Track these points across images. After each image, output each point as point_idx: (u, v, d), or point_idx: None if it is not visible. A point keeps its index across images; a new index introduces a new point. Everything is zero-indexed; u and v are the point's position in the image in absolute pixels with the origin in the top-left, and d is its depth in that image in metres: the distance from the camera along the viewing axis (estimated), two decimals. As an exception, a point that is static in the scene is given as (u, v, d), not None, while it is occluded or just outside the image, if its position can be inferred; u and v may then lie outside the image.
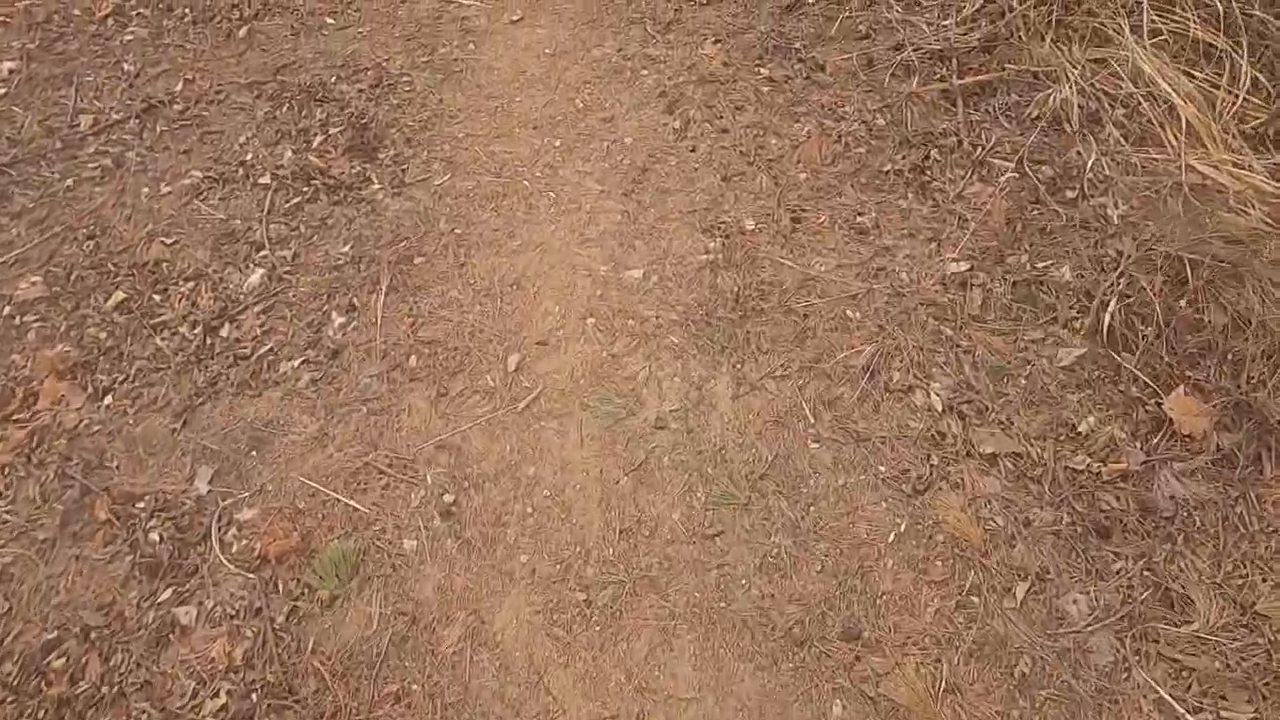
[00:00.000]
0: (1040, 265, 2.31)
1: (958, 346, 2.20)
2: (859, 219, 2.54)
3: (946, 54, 2.91)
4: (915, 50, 2.95)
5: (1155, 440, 1.95)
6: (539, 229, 2.65)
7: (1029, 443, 1.99)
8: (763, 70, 3.08)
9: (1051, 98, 2.64)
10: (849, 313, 2.32)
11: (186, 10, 3.52)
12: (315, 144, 2.93)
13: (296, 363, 2.31)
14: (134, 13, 3.53)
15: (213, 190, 2.80)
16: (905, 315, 2.29)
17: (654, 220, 2.63)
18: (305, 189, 2.78)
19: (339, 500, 2.02)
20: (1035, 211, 2.45)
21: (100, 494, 2.03)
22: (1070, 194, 2.46)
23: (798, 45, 3.13)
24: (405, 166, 2.87)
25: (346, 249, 2.60)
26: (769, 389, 2.18)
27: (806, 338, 2.28)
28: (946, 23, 3.02)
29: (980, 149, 2.63)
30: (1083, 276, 2.26)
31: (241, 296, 2.48)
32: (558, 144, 2.93)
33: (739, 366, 2.23)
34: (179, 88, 3.17)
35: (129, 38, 3.41)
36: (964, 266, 2.35)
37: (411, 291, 2.49)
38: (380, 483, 2.06)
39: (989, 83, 2.79)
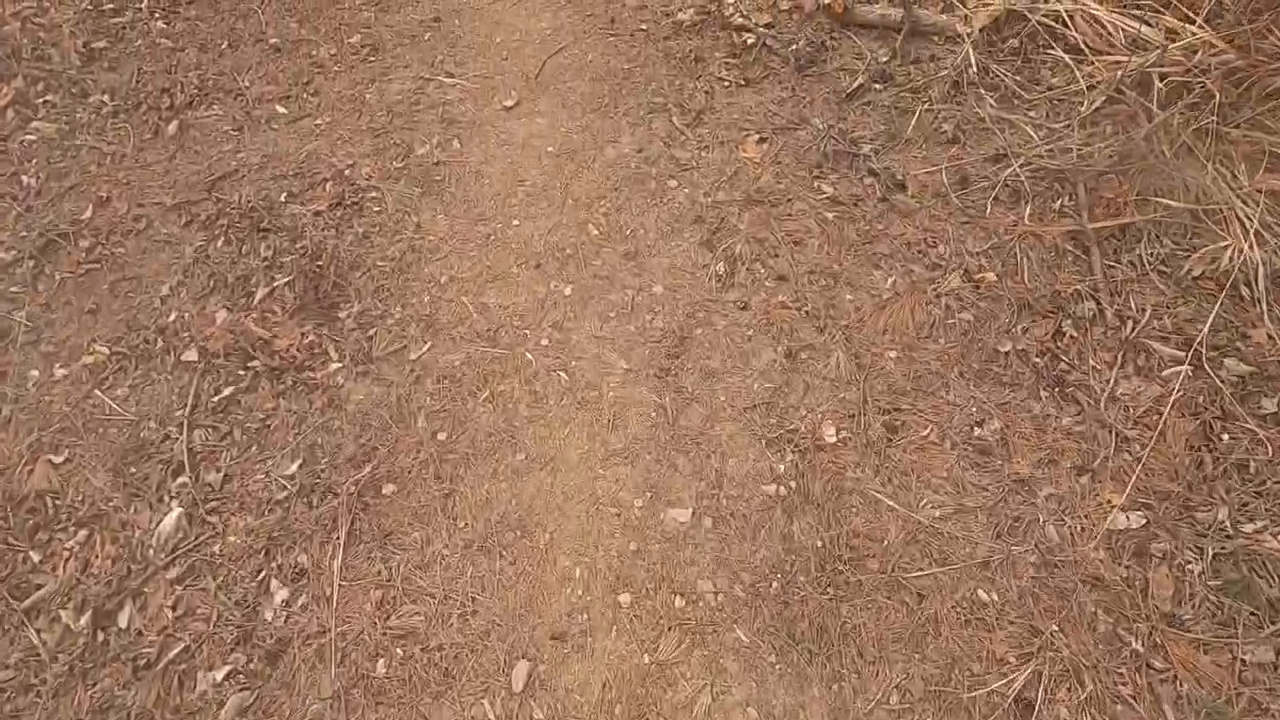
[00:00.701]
0: (1248, 529, 1.59)
1: (1149, 667, 1.48)
2: (977, 431, 1.80)
3: (1067, 175, 2.15)
4: (1023, 165, 2.19)
5: None
6: (548, 433, 1.90)
7: None
8: (823, 186, 2.31)
9: (1228, 253, 1.89)
10: (982, 593, 1.60)
11: (105, 97, 2.71)
12: (257, 299, 2.16)
13: (220, 675, 1.58)
14: (40, 101, 2.72)
15: (121, 373, 2.04)
16: (1063, 603, 1.57)
17: (700, 422, 1.89)
18: (241, 372, 2.02)
19: None
20: (1226, 434, 1.71)
21: None
22: (1270, 403, 1.73)
23: (866, 150, 2.35)
24: (373, 331, 2.11)
25: (294, 469, 1.86)
26: (883, 731, 1.47)
27: (927, 637, 1.56)
28: (1058, 126, 2.25)
29: (1131, 323, 1.89)
30: (1314, 552, 1.54)
31: (150, 552, 1.74)
32: (568, 292, 2.18)
33: (836, 687, 1.52)
34: (88, 213, 2.38)
35: (31, 137, 2.61)
36: (1136, 521, 1.63)
37: (380, 541, 1.76)
38: None
39: (1131, 224, 2.04)
